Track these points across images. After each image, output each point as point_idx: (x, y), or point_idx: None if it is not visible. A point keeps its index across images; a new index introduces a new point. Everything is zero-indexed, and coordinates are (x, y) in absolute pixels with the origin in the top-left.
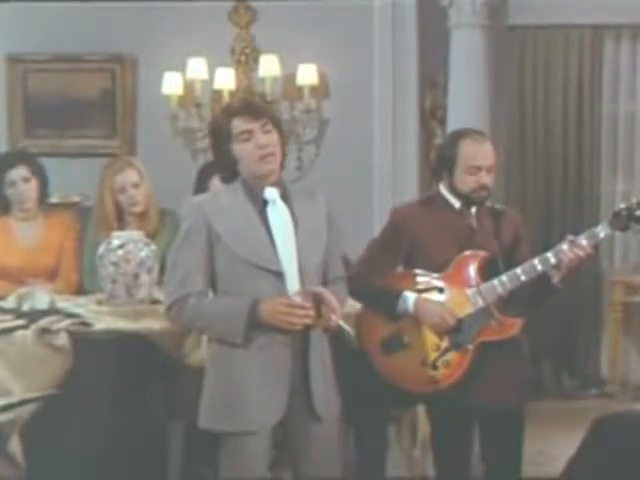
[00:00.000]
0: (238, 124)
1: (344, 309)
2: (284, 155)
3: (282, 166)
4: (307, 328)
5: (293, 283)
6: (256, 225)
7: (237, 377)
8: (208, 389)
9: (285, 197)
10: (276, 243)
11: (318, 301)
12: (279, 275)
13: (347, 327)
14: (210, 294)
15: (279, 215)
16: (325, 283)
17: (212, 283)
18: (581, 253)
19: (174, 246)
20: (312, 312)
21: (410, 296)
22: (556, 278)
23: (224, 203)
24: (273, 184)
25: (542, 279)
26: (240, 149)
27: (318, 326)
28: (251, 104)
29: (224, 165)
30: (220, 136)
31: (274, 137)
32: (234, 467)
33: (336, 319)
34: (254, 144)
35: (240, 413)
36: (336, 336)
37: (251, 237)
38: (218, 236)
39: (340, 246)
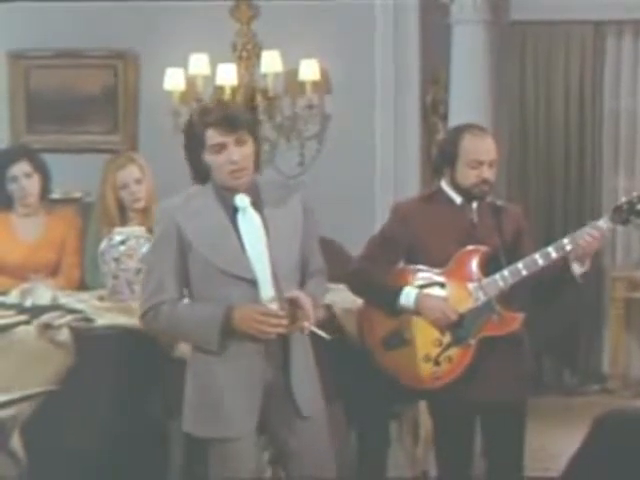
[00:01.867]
0: (212, 135)
1: (322, 303)
2: (258, 160)
3: (256, 168)
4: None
5: (267, 289)
6: (228, 232)
7: (213, 383)
8: (188, 395)
9: (256, 203)
10: (247, 250)
11: (293, 305)
12: (252, 282)
13: (321, 332)
14: (185, 300)
15: (250, 223)
16: (304, 277)
17: (187, 285)
18: (584, 244)
19: (148, 251)
20: (285, 321)
21: (411, 292)
22: (578, 270)
23: (195, 208)
24: (245, 190)
25: (564, 272)
26: (212, 160)
27: (291, 331)
28: (228, 115)
29: (196, 170)
30: (193, 142)
31: (248, 150)
32: (222, 471)
33: (309, 326)
34: (226, 158)
35: (218, 420)
36: (336, 334)
37: (223, 244)
38: (189, 243)
39: (317, 239)
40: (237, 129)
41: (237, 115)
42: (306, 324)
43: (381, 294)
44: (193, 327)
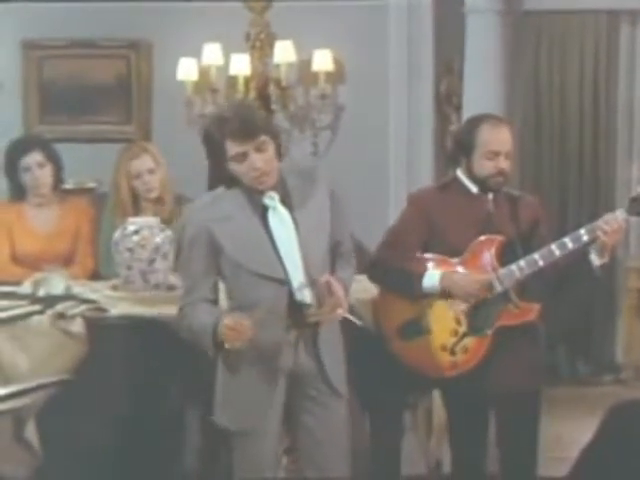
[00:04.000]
0: (232, 146)
1: (351, 288)
2: (280, 155)
3: (280, 158)
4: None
5: (300, 281)
6: (258, 232)
7: (236, 377)
8: (217, 387)
9: (285, 200)
10: (279, 249)
11: (325, 292)
12: (282, 282)
13: (353, 318)
14: (204, 305)
15: (280, 221)
16: (335, 257)
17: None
18: (615, 225)
19: (181, 253)
20: (246, 334)
21: (435, 273)
22: (597, 262)
23: (225, 211)
24: (272, 188)
25: (583, 264)
26: (236, 168)
27: (324, 319)
28: (245, 123)
29: (221, 177)
30: (215, 152)
31: (269, 154)
32: (243, 464)
33: (343, 312)
34: (249, 166)
35: (240, 412)
36: (349, 323)
37: (253, 246)
38: (221, 247)
39: (346, 220)
40: (255, 136)
41: (253, 121)
42: (340, 310)
43: (404, 280)
44: (198, 334)
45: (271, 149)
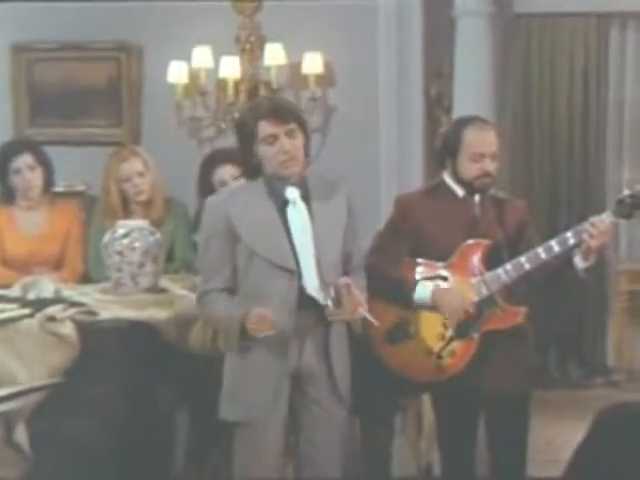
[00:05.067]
0: (264, 127)
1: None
2: (307, 154)
3: (306, 164)
4: (329, 321)
5: (311, 280)
6: (276, 223)
7: (242, 369)
8: (224, 384)
9: (305, 196)
10: (294, 242)
11: (341, 293)
12: (294, 273)
13: (372, 318)
14: (224, 295)
15: (298, 216)
16: (346, 272)
17: (235, 275)
18: (602, 228)
19: (200, 241)
20: (271, 326)
21: (427, 287)
22: (581, 265)
23: (245, 200)
24: (294, 183)
25: (567, 267)
26: (264, 151)
27: (343, 318)
28: (280, 107)
29: (247, 163)
30: (245, 135)
31: (299, 141)
32: (244, 456)
33: (363, 311)
34: (278, 149)
35: (242, 403)
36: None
37: (269, 235)
38: (238, 234)
39: (359, 235)
40: (288, 121)
41: (288, 107)
42: (360, 310)
43: (395, 289)
44: (221, 326)
45: (300, 139)
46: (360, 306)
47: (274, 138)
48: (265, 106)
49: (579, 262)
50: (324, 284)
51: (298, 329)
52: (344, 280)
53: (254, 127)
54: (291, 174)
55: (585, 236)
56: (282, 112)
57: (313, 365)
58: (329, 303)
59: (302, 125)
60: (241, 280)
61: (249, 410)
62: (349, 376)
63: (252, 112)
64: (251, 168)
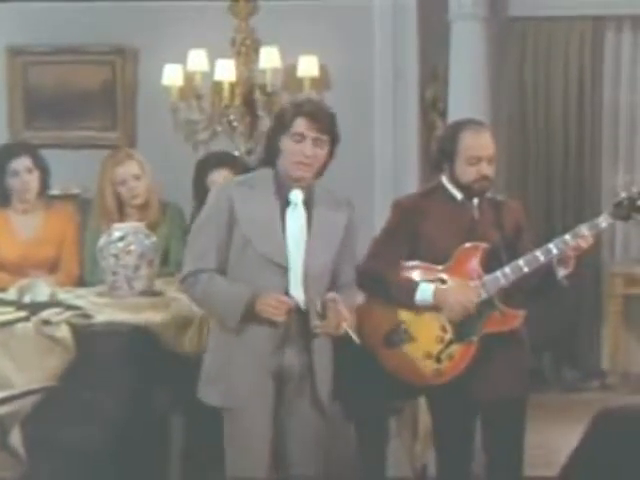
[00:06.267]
0: (299, 124)
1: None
2: (323, 170)
3: (320, 174)
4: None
5: (297, 281)
6: (275, 220)
7: (228, 358)
8: (205, 365)
9: (308, 202)
10: (288, 242)
11: (327, 307)
12: (284, 270)
13: (354, 334)
14: (220, 276)
15: (296, 218)
16: (334, 288)
17: (226, 261)
18: (583, 244)
19: (197, 222)
20: (287, 308)
21: (428, 287)
22: (562, 272)
23: (251, 191)
24: (301, 187)
25: (548, 275)
26: (287, 145)
27: (327, 332)
28: (320, 114)
29: (268, 150)
30: (279, 124)
31: (321, 153)
32: (231, 443)
33: (347, 326)
34: (300, 149)
35: (227, 390)
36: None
37: (267, 229)
38: (237, 219)
39: (355, 254)
40: (322, 130)
41: (327, 118)
42: (344, 324)
43: (396, 291)
44: (220, 301)
45: (324, 152)
46: (345, 320)
47: (301, 138)
48: (308, 107)
49: (560, 270)
50: (307, 292)
51: (285, 327)
52: (331, 295)
53: (291, 121)
54: (300, 178)
55: (580, 241)
56: (320, 119)
57: (294, 365)
58: (316, 314)
59: (333, 142)
60: (231, 270)
61: (235, 396)
62: (331, 379)
63: (294, 107)
64: (269, 156)
